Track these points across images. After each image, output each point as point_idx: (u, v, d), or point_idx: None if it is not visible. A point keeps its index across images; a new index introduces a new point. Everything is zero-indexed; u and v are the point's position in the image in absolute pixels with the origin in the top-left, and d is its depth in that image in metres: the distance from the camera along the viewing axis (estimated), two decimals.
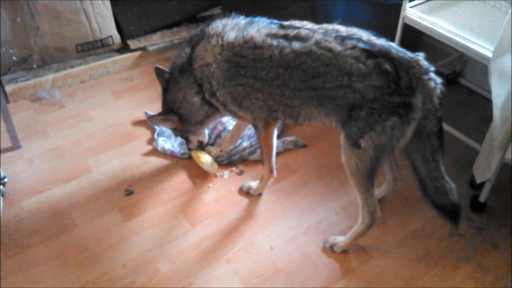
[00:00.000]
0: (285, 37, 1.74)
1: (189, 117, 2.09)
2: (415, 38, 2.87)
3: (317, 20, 2.85)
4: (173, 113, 2.08)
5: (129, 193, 2.25)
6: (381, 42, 1.70)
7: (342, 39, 1.69)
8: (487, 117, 2.63)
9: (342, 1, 2.61)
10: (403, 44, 2.38)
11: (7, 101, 2.77)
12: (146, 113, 2.68)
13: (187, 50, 1.94)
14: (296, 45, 1.72)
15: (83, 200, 2.23)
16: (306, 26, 1.78)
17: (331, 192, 2.28)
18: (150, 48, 3.08)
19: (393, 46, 1.69)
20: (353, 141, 1.75)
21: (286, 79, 1.77)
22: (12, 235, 2.07)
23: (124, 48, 3.08)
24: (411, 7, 2.32)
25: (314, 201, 2.24)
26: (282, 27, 1.78)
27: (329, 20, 2.75)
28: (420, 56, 1.69)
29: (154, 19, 3.12)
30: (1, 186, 2.22)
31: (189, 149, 2.36)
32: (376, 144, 1.73)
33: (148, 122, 2.46)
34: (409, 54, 1.69)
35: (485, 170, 2.01)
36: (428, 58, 1.72)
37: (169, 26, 3.19)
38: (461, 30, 2.15)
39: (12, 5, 2.68)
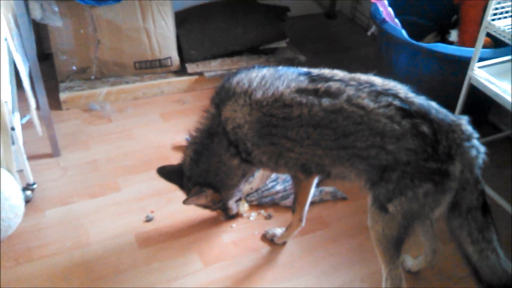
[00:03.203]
0: (315, 92, 1.59)
1: (226, 182, 1.90)
2: (487, 98, 2.62)
3: (379, 67, 2.71)
4: (206, 186, 1.89)
5: (149, 219, 2.18)
6: (420, 100, 1.52)
7: (377, 95, 1.53)
8: None
9: (406, 50, 2.43)
10: (471, 103, 2.17)
11: (60, 108, 2.83)
12: (187, 139, 2.61)
13: (212, 110, 1.78)
14: (326, 102, 1.57)
15: (104, 218, 2.19)
16: (336, 76, 1.62)
17: (361, 254, 2.07)
18: (207, 74, 3.04)
19: (434, 106, 1.52)
20: (381, 204, 1.58)
21: (317, 139, 1.62)
22: (27, 243, 2.06)
23: (181, 71, 3.06)
24: (479, 67, 2.10)
25: (341, 261, 2.04)
26: (312, 79, 1.63)
27: (391, 68, 2.61)
28: (463, 120, 1.52)
29: (215, 45, 3.09)
30: (29, 192, 2.23)
31: (231, 217, 2.17)
32: (406, 210, 1.55)
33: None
34: (450, 117, 1.51)
35: None
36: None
37: (230, 54, 3.14)
38: None
39: (77, 17, 2.74)
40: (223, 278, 1.95)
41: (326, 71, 1.66)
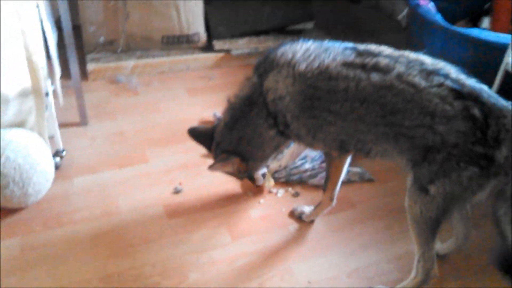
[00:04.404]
0: (363, 67, 1.56)
1: (256, 153, 1.90)
2: None
3: (411, 51, 2.69)
4: (234, 154, 1.90)
5: (178, 191, 2.18)
6: (471, 82, 1.49)
7: (428, 73, 1.50)
8: None
9: (440, 34, 2.41)
10: (504, 91, 2.15)
11: (87, 79, 2.83)
12: (215, 114, 2.61)
13: (254, 80, 1.77)
14: (375, 77, 1.54)
15: (132, 188, 2.19)
16: (384, 52, 1.59)
17: (388, 236, 2.07)
18: (234, 52, 3.03)
19: (485, 90, 1.49)
20: (422, 185, 1.56)
21: (362, 114, 1.59)
22: (56, 209, 2.07)
23: (208, 48, 3.06)
24: None
25: (368, 242, 2.04)
26: (359, 54, 1.60)
27: (423, 52, 2.59)
28: None
29: (243, 24, 3.08)
30: (58, 159, 2.24)
31: (256, 185, 2.20)
32: (447, 193, 1.53)
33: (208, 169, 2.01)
34: (502, 102, 1.47)
35: None
36: None
37: (257, 33, 3.13)
38: None
39: None
40: (251, 252, 1.95)
41: (373, 47, 1.63)
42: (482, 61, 2.37)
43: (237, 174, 2.02)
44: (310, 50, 1.67)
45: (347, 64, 1.59)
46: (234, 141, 1.88)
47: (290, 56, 1.68)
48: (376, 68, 1.55)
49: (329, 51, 1.64)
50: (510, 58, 2.07)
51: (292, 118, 1.71)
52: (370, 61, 1.57)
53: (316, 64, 1.63)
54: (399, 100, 1.53)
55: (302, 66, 1.64)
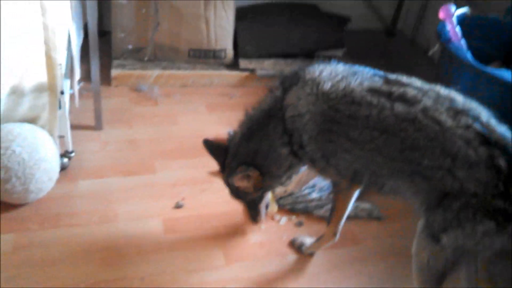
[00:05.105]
0: (389, 95, 1.48)
1: (272, 170, 1.81)
2: None
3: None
4: (253, 168, 1.80)
5: (179, 206, 2.14)
6: (501, 129, 1.39)
7: (456, 112, 1.41)
8: None
9: (468, 73, 2.31)
10: None
11: (109, 84, 2.85)
12: (229, 133, 2.57)
13: (278, 93, 1.68)
14: (399, 108, 1.45)
15: (134, 198, 2.17)
16: (414, 83, 1.51)
17: (390, 279, 1.96)
18: (259, 72, 3.00)
19: None
20: (434, 232, 1.46)
21: (380, 145, 1.50)
22: (55, 209, 2.05)
23: (233, 65, 3.04)
24: None
25: (367, 283, 1.94)
26: (387, 81, 1.52)
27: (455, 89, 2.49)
28: None
29: (272, 45, 3.05)
30: (66, 159, 2.23)
31: (255, 221, 2.04)
32: (459, 245, 1.42)
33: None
34: None
35: None
36: None
37: (285, 56, 3.09)
38: None
39: None
40: (243, 279, 1.88)
41: (404, 77, 1.55)
42: (510, 104, 2.26)
43: (251, 192, 1.92)
44: (339, 72, 1.60)
45: (372, 90, 1.51)
46: (251, 154, 1.79)
47: (317, 73, 1.60)
48: (402, 98, 1.47)
49: (357, 75, 1.57)
50: None
51: (309, 139, 1.63)
52: (397, 90, 1.49)
53: (341, 86, 1.55)
54: (421, 136, 1.43)
55: (327, 86, 1.56)
